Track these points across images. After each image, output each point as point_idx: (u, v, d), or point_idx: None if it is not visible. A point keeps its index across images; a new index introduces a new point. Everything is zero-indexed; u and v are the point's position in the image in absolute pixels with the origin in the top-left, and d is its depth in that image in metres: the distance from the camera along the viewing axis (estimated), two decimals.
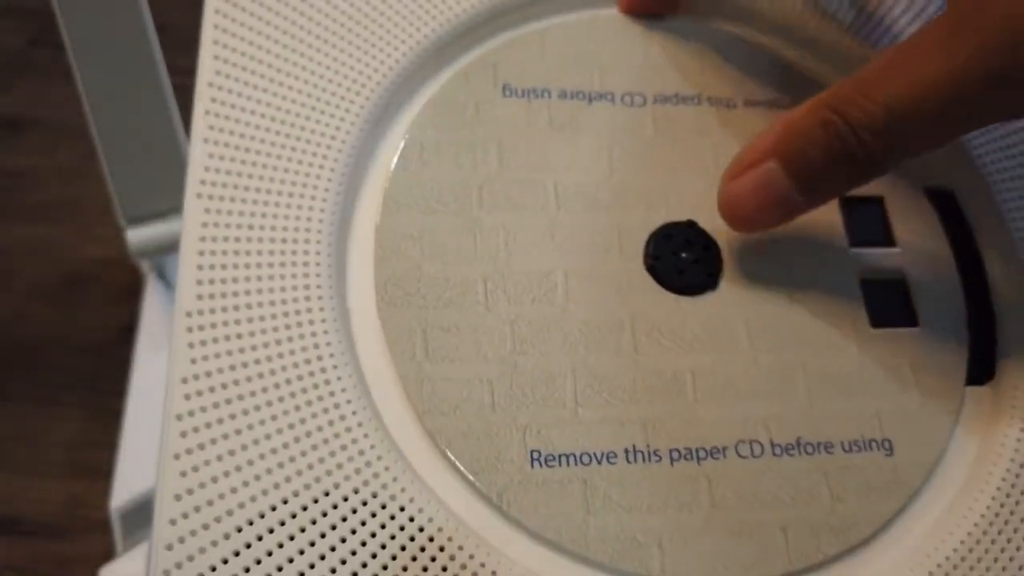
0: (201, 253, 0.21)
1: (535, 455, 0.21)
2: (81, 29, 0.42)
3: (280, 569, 0.19)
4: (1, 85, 0.70)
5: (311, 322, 0.21)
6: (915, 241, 0.25)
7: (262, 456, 0.19)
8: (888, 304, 0.24)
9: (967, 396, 0.24)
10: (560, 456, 0.21)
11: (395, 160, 0.23)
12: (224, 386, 0.20)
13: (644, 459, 0.21)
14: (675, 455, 0.21)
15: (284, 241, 0.22)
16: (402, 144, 0.24)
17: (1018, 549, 0.22)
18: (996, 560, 0.22)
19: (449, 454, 0.21)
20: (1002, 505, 0.22)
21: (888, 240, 0.25)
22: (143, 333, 0.49)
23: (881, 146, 0.20)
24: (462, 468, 0.20)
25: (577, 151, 0.24)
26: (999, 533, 0.22)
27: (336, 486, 0.19)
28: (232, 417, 0.20)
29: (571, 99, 0.25)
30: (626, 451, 0.21)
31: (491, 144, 0.24)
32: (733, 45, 0.27)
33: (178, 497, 0.19)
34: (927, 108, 0.19)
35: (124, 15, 0.42)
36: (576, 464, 0.21)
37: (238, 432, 0.19)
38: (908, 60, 0.20)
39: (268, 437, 0.20)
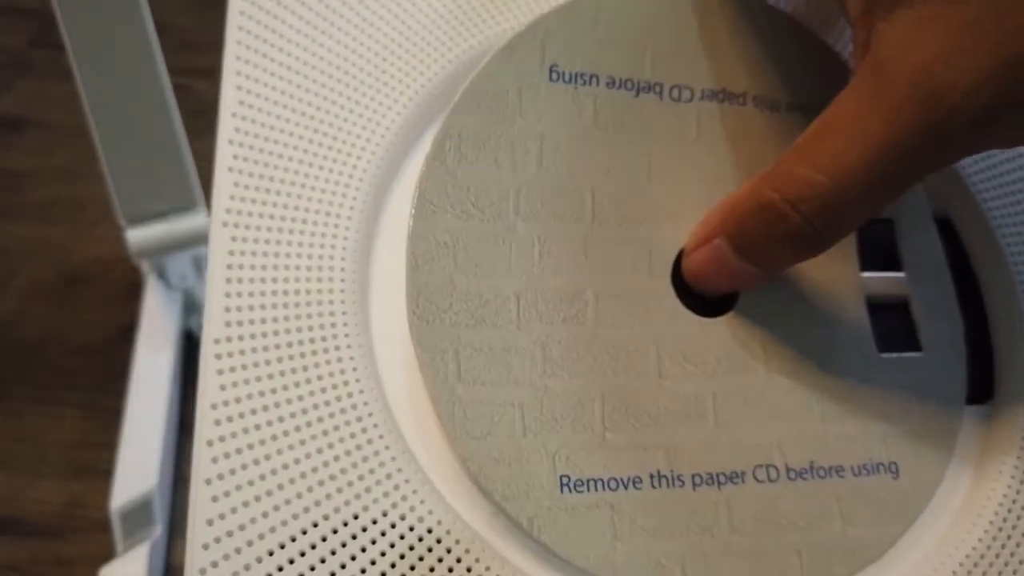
0: (228, 281, 0.21)
1: (564, 480, 0.21)
2: (81, 29, 0.42)
3: None
4: (1, 85, 0.70)
5: (337, 347, 0.21)
6: (919, 265, 0.25)
7: (291, 481, 0.20)
8: (893, 328, 0.24)
9: (967, 416, 0.24)
10: (589, 481, 0.21)
11: (430, 153, 0.23)
12: (253, 412, 0.20)
13: (668, 484, 0.22)
14: (697, 480, 0.22)
15: (309, 269, 0.22)
16: (439, 136, 0.23)
17: (1021, 562, 0.22)
18: (1006, 565, 0.22)
19: (481, 481, 0.21)
20: (1004, 520, 0.23)
21: (895, 264, 0.25)
22: (143, 333, 0.49)
23: (824, 219, 0.20)
24: (495, 495, 0.21)
25: (617, 154, 0.24)
26: (1002, 547, 0.22)
27: (365, 509, 0.20)
28: (261, 443, 0.20)
29: (618, 89, 0.24)
30: (651, 476, 0.21)
31: (532, 141, 0.24)
32: (794, 35, 0.26)
33: (210, 522, 0.19)
34: (869, 169, 0.19)
35: (124, 15, 0.42)
36: (604, 489, 0.21)
37: (267, 458, 0.20)
38: (840, 124, 0.20)
39: (297, 462, 0.20)
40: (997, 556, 0.22)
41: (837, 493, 0.22)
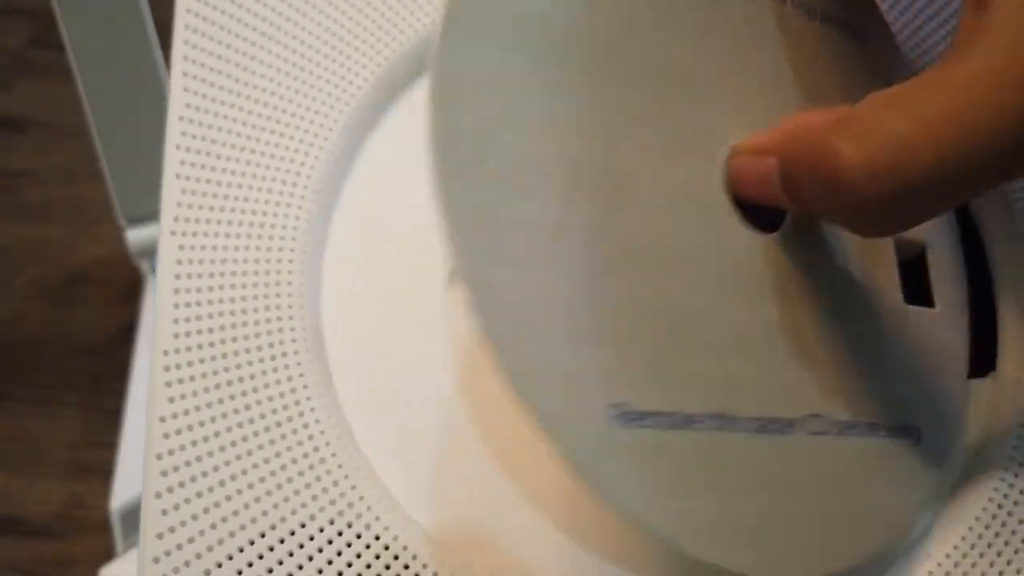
0: (176, 291, 0.21)
1: (615, 412, 0.18)
2: (81, 29, 0.42)
3: None
4: (1, 85, 0.70)
5: (284, 354, 0.21)
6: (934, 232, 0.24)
7: (239, 491, 0.20)
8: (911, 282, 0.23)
9: (972, 387, 0.24)
10: (643, 416, 0.18)
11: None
12: (201, 424, 0.20)
13: (726, 428, 0.19)
14: (753, 426, 0.19)
15: (256, 273, 0.22)
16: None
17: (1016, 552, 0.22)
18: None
19: (520, 392, 0.18)
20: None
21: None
22: (143, 333, 0.49)
23: (873, 192, 0.17)
24: (534, 415, 0.18)
25: (671, 23, 0.20)
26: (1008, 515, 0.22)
27: (312, 518, 0.20)
28: (210, 455, 0.20)
29: None
30: (709, 416, 0.19)
31: None
32: None
33: (160, 536, 0.19)
34: (974, 152, 0.16)
35: (124, 15, 0.42)
36: (658, 428, 0.18)
37: (216, 469, 0.20)
38: (951, 88, 0.16)
39: (244, 472, 0.20)
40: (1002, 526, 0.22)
41: (878, 454, 0.21)
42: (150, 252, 0.48)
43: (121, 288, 0.55)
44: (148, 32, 0.43)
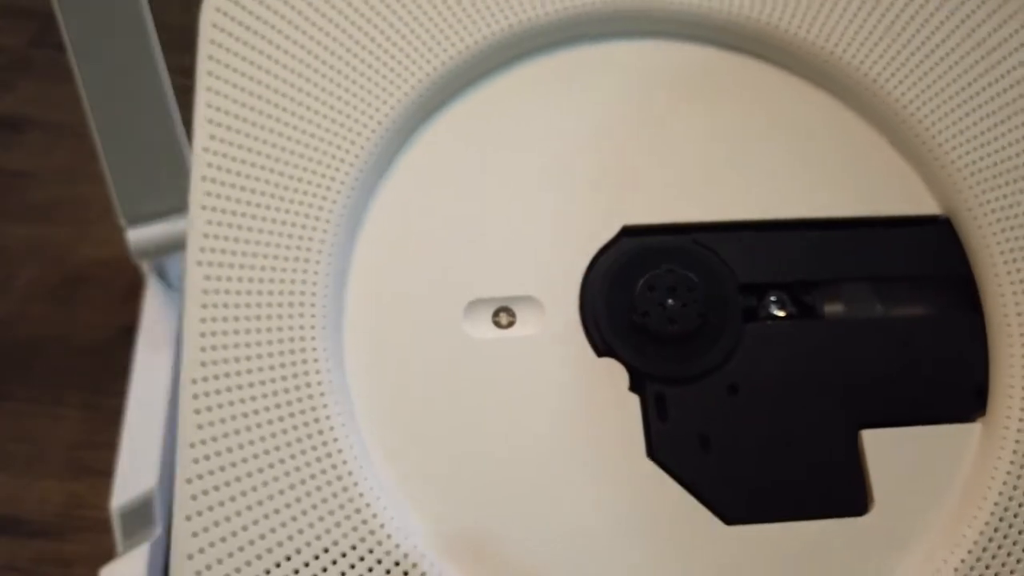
0: (203, 320, 0.22)
1: None
2: (81, 29, 0.42)
3: None
4: (1, 85, 0.70)
5: (308, 384, 0.21)
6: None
7: (265, 516, 0.20)
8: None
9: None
10: None
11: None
12: (229, 450, 0.21)
13: None
14: None
15: (280, 305, 0.22)
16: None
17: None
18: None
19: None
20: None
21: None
22: (143, 333, 0.49)
23: None
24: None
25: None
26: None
27: (335, 543, 0.20)
28: (237, 480, 0.21)
29: None
30: None
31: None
32: None
33: (190, 556, 0.20)
34: None
35: (124, 15, 0.42)
36: None
37: (243, 494, 0.20)
38: None
39: (271, 498, 0.20)
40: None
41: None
42: (150, 252, 0.48)
43: (121, 288, 0.55)
44: (148, 32, 0.43)
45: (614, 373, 0.23)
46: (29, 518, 0.44)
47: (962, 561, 0.22)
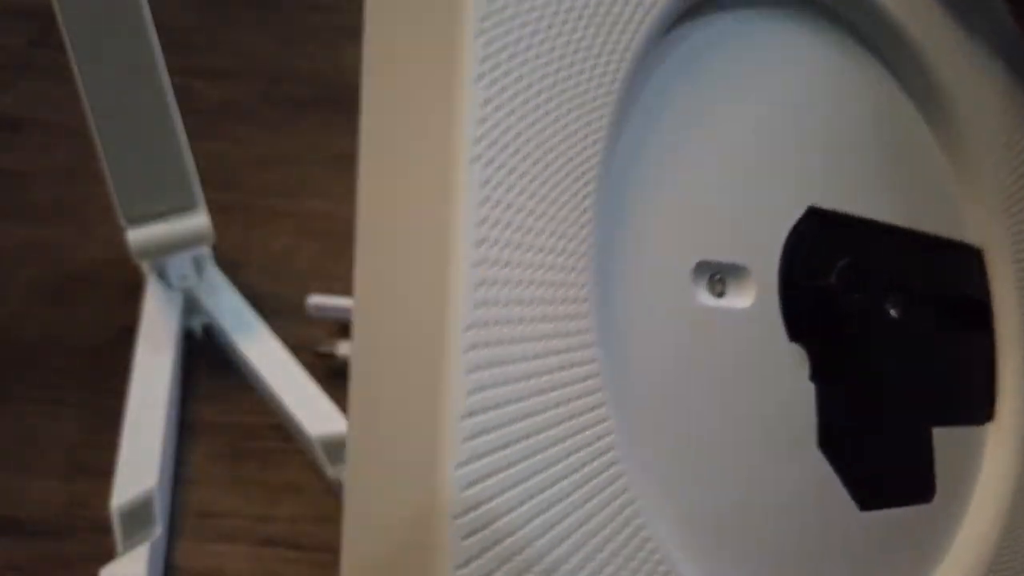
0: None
1: None
2: (81, 29, 0.42)
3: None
4: (1, 85, 0.70)
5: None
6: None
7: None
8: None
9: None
10: None
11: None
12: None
13: None
14: None
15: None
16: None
17: None
18: None
19: None
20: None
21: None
22: (143, 333, 0.49)
23: None
24: None
25: None
26: None
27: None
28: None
29: None
30: None
31: None
32: None
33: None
34: None
35: (124, 15, 0.42)
36: None
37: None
38: None
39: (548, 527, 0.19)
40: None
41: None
42: (150, 252, 0.48)
43: (121, 288, 0.55)
44: (148, 32, 0.43)
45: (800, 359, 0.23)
46: (29, 518, 0.44)
47: None
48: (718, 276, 0.22)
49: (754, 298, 0.22)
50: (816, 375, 0.23)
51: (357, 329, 0.20)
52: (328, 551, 0.44)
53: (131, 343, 0.49)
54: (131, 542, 0.41)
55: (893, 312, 0.25)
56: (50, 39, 0.69)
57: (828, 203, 0.24)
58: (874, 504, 0.24)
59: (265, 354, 0.50)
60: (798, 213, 0.23)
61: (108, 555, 0.41)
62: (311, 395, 0.48)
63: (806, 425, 0.22)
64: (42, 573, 0.42)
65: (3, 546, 0.43)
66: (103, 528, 0.42)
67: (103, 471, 0.44)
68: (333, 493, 0.46)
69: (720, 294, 0.22)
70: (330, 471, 0.45)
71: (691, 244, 0.21)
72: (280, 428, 0.49)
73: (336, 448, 0.45)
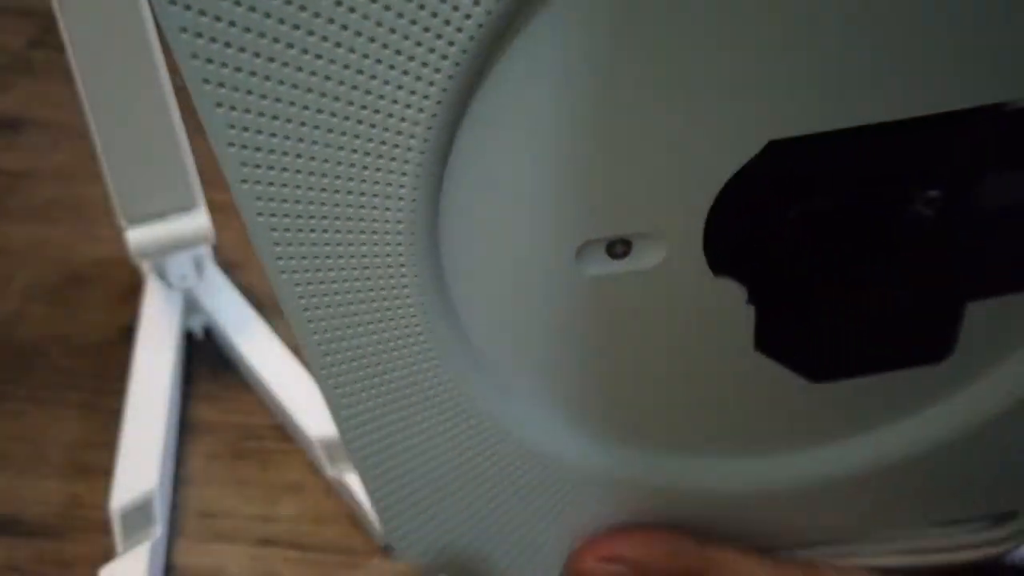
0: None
1: None
2: (81, 29, 0.42)
3: None
4: (1, 85, 0.70)
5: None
6: None
7: None
8: None
9: None
10: None
11: None
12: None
13: None
14: None
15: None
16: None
17: None
18: None
19: None
20: None
21: None
22: (143, 333, 0.49)
23: None
24: None
25: None
26: None
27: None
28: None
29: None
30: None
31: None
32: None
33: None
34: None
35: (124, 15, 0.42)
36: None
37: None
38: None
39: None
40: None
41: None
42: (150, 252, 0.48)
43: (121, 288, 0.55)
44: (148, 32, 0.43)
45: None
46: (29, 518, 0.44)
47: None
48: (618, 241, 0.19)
49: (666, 250, 0.19)
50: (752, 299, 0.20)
51: None
52: (328, 551, 0.44)
53: (131, 343, 0.49)
54: (131, 542, 0.41)
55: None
56: (50, 39, 0.69)
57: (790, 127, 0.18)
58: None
59: (265, 354, 0.50)
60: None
61: (108, 555, 0.41)
62: (311, 395, 0.48)
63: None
64: (42, 573, 0.42)
65: (3, 546, 0.43)
66: (103, 528, 0.42)
67: (103, 471, 0.44)
68: (333, 493, 0.46)
69: (623, 254, 0.19)
70: (330, 471, 0.45)
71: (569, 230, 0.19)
72: (280, 428, 0.49)
73: (336, 448, 0.45)
